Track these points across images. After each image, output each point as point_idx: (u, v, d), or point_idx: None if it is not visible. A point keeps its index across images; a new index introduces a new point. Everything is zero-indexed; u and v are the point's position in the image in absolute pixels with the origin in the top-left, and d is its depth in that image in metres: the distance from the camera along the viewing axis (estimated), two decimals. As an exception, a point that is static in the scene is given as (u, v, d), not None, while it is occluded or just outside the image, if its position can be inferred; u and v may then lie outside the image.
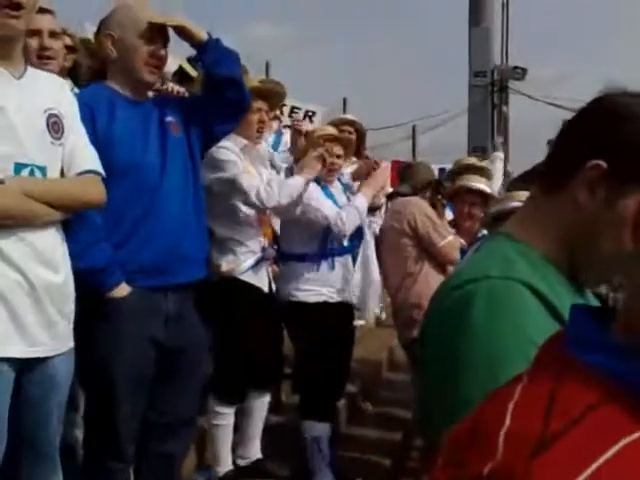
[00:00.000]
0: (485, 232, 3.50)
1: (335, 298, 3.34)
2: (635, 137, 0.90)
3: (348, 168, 4.21)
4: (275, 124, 4.83)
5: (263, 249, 3.19)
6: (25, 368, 1.87)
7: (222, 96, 2.40)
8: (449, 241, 3.52)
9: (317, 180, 3.32)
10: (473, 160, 5.20)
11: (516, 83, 14.46)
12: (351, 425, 4.39)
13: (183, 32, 2.37)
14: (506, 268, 0.93)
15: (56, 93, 1.98)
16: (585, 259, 0.96)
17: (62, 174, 1.95)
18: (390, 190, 4.56)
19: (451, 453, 0.56)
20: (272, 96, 3.35)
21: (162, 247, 2.27)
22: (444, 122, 14.52)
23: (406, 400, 4.20)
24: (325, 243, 3.34)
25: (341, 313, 3.39)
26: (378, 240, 4.04)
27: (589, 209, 0.92)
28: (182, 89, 3.39)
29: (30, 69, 1.96)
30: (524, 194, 3.13)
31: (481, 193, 3.72)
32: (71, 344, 1.97)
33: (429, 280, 3.43)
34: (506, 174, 6.05)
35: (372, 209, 3.97)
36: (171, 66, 3.54)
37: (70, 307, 1.97)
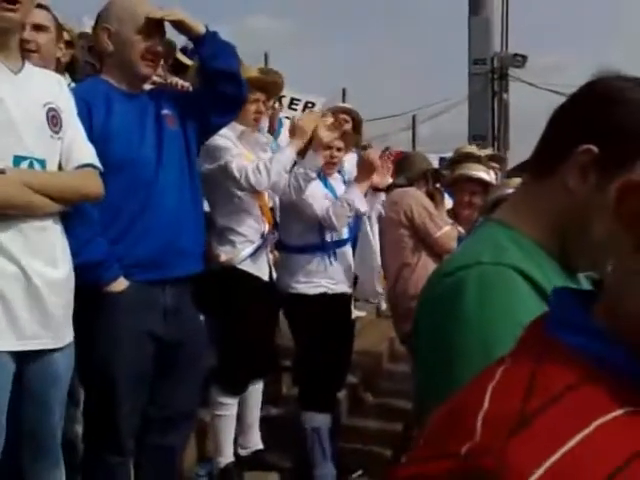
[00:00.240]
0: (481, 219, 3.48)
1: (335, 289, 3.34)
2: (626, 121, 0.89)
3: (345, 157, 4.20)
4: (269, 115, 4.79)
5: (263, 235, 3.18)
6: (24, 362, 1.87)
7: (219, 89, 2.39)
8: (446, 231, 3.52)
9: (317, 172, 3.31)
10: (473, 148, 5.19)
11: (516, 71, 14.41)
12: (352, 416, 4.40)
13: (181, 25, 2.35)
14: (497, 254, 0.93)
15: (54, 88, 1.99)
16: (576, 244, 0.96)
17: (60, 168, 1.96)
18: (390, 180, 4.54)
19: (431, 434, 0.56)
20: (270, 87, 3.34)
21: (160, 241, 2.27)
22: (444, 110, 14.48)
23: (407, 391, 4.20)
24: (323, 235, 3.34)
25: (341, 304, 3.39)
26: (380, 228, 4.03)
27: (580, 194, 0.91)
28: (187, 84, 3.37)
29: (27, 65, 1.97)
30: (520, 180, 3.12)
31: (481, 182, 3.71)
32: (70, 339, 1.97)
33: (427, 271, 3.41)
34: (502, 160, 6.04)
35: (376, 189, 3.94)
36: None
37: (70, 302, 1.97)
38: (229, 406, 3.19)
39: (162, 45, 2.36)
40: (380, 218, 3.94)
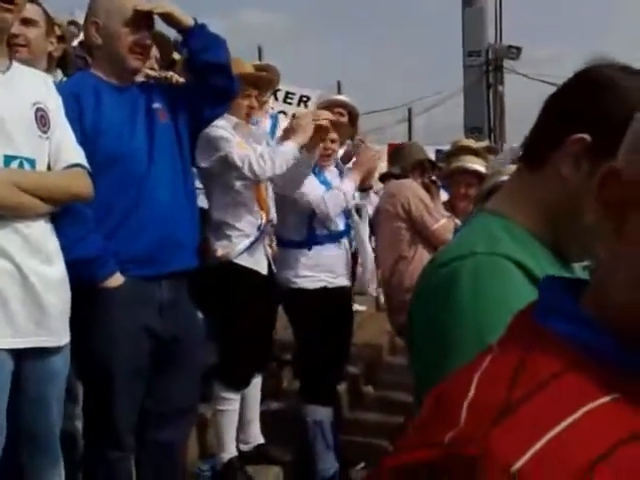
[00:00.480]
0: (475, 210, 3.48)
1: (334, 283, 3.34)
2: (616, 108, 0.88)
3: (340, 150, 4.19)
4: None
5: (259, 228, 3.17)
6: (22, 360, 1.87)
7: (209, 82, 2.38)
8: (442, 224, 3.53)
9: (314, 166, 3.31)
10: (470, 142, 5.18)
11: (511, 62, 14.39)
12: (353, 409, 4.40)
13: (169, 18, 2.34)
14: (491, 244, 0.93)
15: (41, 88, 1.99)
16: (569, 232, 0.96)
17: (48, 168, 1.95)
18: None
19: (418, 423, 0.56)
20: (263, 83, 3.33)
21: (154, 236, 2.26)
22: (440, 103, 14.46)
23: (407, 383, 4.18)
24: (319, 228, 3.33)
25: (340, 297, 3.40)
26: (372, 222, 4.03)
27: (573, 182, 0.91)
28: (182, 79, 3.35)
29: (15, 64, 1.96)
30: (513, 169, 3.12)
31: (477, 174, 3.71)
32: (67, 338, 1.97)
33: (423, 263, 3.40)
34: (496, 151, 6.04)
35: (363, 189, 3.94)
36: None
37: (67, 301, 1.97)
38: (232, 401, 3.18)
39: (151, 38, 2.35)
40: (375, 211, 3.94)
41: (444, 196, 4.01)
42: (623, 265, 0.54)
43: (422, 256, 3.51)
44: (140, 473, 2.38)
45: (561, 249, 0.98)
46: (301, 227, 3.35)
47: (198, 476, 3.20)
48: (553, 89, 0.99)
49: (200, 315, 2.75)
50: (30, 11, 2.45)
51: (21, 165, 1.86)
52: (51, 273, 1.91)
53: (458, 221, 3.65)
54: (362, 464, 3.60)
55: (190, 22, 2.35)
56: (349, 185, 3.36)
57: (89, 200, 2.03)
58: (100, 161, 2.08)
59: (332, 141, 3.43)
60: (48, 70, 2.61)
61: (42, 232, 1.90)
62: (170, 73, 3.29)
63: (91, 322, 2.19)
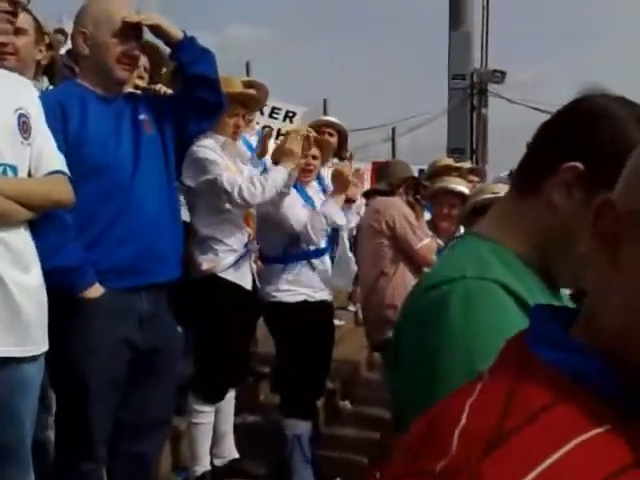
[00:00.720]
0: (462, 232, 3.52)
1: (315, 297, 3.35)
2: (610, 139, 0.90)
3: (329, 169, 4.21)
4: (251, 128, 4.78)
5: (246, 244, 3.18)
6: None
7: (196, 95, 2.39)
8: (426, 243, 3.56)
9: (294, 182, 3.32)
10: (449, 161, 5.24)
11: (495, 86, 14.57)
12: (330, 424, 4.39)
13: (158, 30, 2.35)
14: (482, 268, 0.93)
15: (24, 94, 1.98)
16: (559, 259, 0.96)
17: (29, 175, 1.94)
18: (367, 187, 4.56)
19: (407, 449, 0.55)
20: (251, 102, 3.35)
21: (139, 246, 2.25)
22: (424, 123, 14.58)
23: (384, 399, 4.20)
24: (301, 245, 3.35)
25: (321, 311, 3.40)
26: (355, 237, 4.04)
27: (565, 210, 0.92)
28: (170, 91, 3.36)
29: None
30: (496, 187, 3.16)
31: (460, 195, 3.75)
32: (45, 348, 1.94)
33: (405, 282, 3.45)
34: (483, 173, 6.11)
35: (348, 200, 3.96)
36: None
37: (44, 307, 1.95)
38: (206, 414, 3.17)
39: (139, 49, 2.35)
40: (358, 227, 3.96)
41: (426, 216, 4.05)
42: (617, 294, 0.54)
43: (403, 274, 3.53)
44: (112, 484, 2.36)
45: (550, 275, 0.98)
46: (282, 244, 3.35)
47: (171, 489, 3.18)
48: (536, 113, 1.01)
49: (179, 328, 2.74)
50: (20, 19, 2.44)
51: (4, 172, 1.84)
52: (29, 281, 1.89)
53: (440, 241, 3.68)
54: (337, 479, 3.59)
55: (179, 35, 2.36)
56: (332, 207, 3.37)
57: (70, 207, 2.02)
58: (85, 170, 2.07)
59: (313, 157, 3.45)
60: (35, 77, 2.61)
61: (22, 239, 1.88)
62: (159, 86, 3.29)
63: (69, 332, 2.17)
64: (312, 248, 3.38)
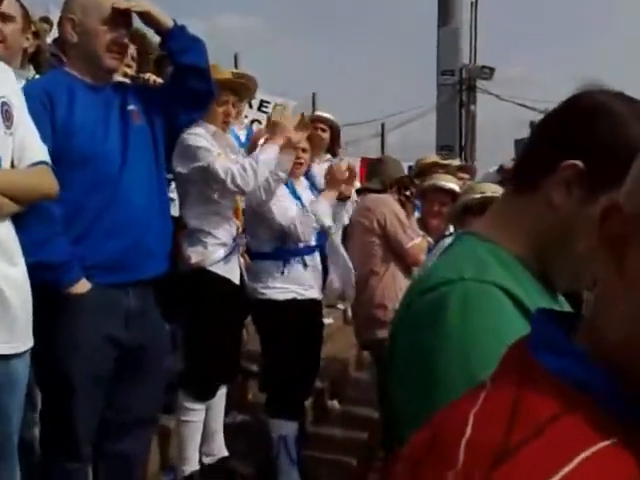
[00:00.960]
0: (452, 230, 3.50)
1: (305, 295, 3.31)
2: (610, 136, 0.88)
3: (321, 164, 4.16)
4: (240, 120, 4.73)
5: (235, 239, 3.13)
6: None
7: (187, 85, 2.34)
8: (416, 243, 3.55)
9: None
10: (436, 158, 5.23)
11: (484, 82, 14.62)
12: (317, 424, 4.36)
13: (148, 17, 2.30)
14: (480, 270, 0.91)
15: (6, 82, 1.93)
16: (558, 260, 0.94)
17: (11, 165, 1.89)
18: (359, 185, 4.51)
19: (411, 460, 0.54)
20: (241, 89, 3.30)
21: (126, 240, 2.21)
22: (413, 119, 14.60)
23: (373, 399, 4.18)
24: (290, 242, 3.30)
25: (310, 310, 3.36)
26: (346, 234, 4.00)
27: (565, 209, 0.90)
28: (160, 80, 3.29)
29: None
30: (485, 186, 3.15)
31: (450, 192, 3.72)
32: (30, 343, 1.90)
33: (395, 281, 3.44)
34: (472, 170, 6.13)
35: (340, 199, 3.92)
36: None
37: (29, 302, 1.91)
38: (197, 412, 3.12)
39: (128, 37, 2.30)
40: (348, 224, 3.92)
41: (416, 214, 4.03)
42: (622, 299, 0.53)
43: (394, 273, 3.52)
44: (98, 484, 2.32)
45: (548, 276, 0.96)
46: (272, 240, 3.31)
47: (158, 488, 3.13)
48: (524, 110, 0.98)
49: (166, 325, 2.69)
50: (7, 6, 2.39)
51: None
52: (16, 274, 1.85)
53: (430, 239, 3.66)
54: (325, 480, 3.56)
55: (169, 23, 2.31)
56: (324, 205, 3.33)
57: (55, 198, 1.98)
58: (73, 160, 2.02)
59: (303, 150, 3.40)
60: (21, 65, 2.55)
61: (7, 232, 1.84)
62: (148, 75, 3.24)
63: (54, 328, 2.13)
64: (302, 245, 3.33)
